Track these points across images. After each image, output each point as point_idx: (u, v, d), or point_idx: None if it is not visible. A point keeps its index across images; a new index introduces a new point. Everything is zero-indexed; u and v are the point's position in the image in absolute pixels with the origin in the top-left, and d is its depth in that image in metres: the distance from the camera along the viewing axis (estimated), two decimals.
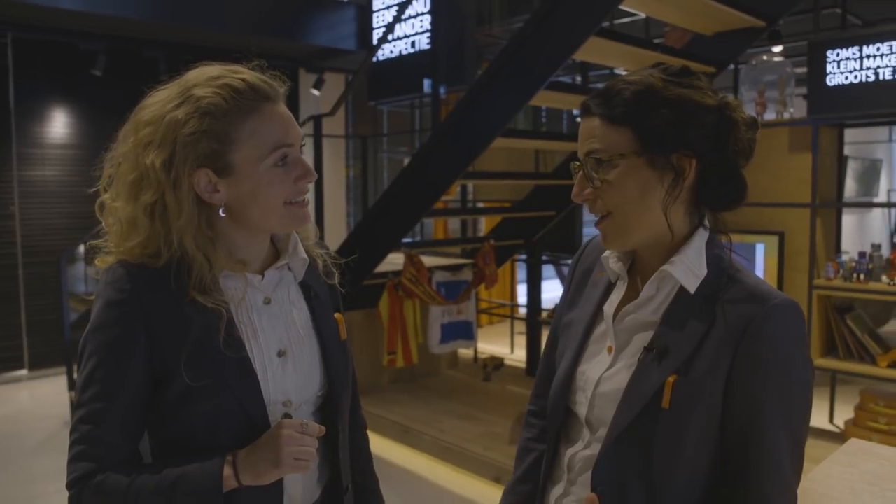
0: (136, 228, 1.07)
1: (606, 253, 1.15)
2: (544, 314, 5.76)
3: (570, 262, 1.90)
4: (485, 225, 7.45)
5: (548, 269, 6.91)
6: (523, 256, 5.69)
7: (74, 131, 6.30)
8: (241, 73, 1.10)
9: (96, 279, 1.12)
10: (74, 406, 1.08)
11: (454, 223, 7.53)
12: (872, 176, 9.04)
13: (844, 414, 4.32)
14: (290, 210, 1.12)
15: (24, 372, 6.07)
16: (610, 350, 1.10)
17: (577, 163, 1.08)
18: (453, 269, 5.19)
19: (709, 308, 1.01)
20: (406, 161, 7.61)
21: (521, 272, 7.05)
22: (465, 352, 6.04)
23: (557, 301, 1.41)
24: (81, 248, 5.81)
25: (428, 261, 5.22)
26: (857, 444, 1.59)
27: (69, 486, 1.05)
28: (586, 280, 1.22)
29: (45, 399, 5.54)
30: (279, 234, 1.22)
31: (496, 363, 5.58)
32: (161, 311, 1.06)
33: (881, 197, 9.31)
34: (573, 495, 1.13)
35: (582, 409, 1.12)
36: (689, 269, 1.03)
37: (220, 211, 1.09)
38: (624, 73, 6.65)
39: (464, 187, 6.26)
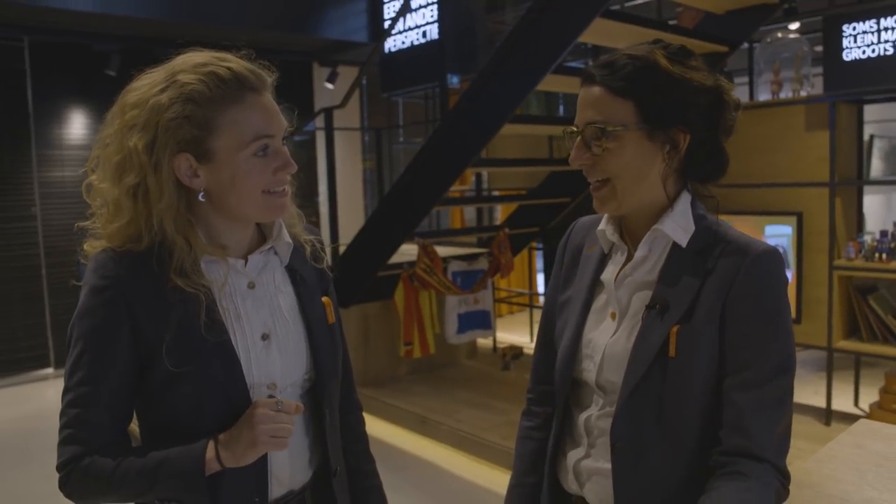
0: (120, 210, 1.09)
1: (601, 226, 1.20)
2: None
3: None
4: (501, 213, 7.41)
5: None
6: (541, 245, 5.64)
7: (92, 132, 6.35)
8: (228, 62, 1.10)
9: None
10: (63, 391, 1.09)
11: (470, 213, 7.49)
12: None
13: (870, 397, 4.23)
14: (268, 199, 1.12)
15: (49, 370, 6.16)
16: (613, 316, 1.16)
17: (574, 129, 1.13)
18: (468, 258, 5.16)
19: (700, 262, 1.09)
20: None
21: (540, 261, 7.01)
22: (483, 341, 6.01)
23: None
24: None
25: (443, 251, 5.20)
26: (867, 424, 1.54)
27: (58, 469, 1.08)
28: (578, 258, 1.26)
29: None
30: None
31: (515, 352, 5.55)
32: (143, 297, 1.08)
33: None
34: (593, 457, 1.17)
35: (591, 376, 1.16)
36: (678, 225, 1.11)
37: (200, 196, 1.10)
38: None
39: (478, 175, 6.22)
